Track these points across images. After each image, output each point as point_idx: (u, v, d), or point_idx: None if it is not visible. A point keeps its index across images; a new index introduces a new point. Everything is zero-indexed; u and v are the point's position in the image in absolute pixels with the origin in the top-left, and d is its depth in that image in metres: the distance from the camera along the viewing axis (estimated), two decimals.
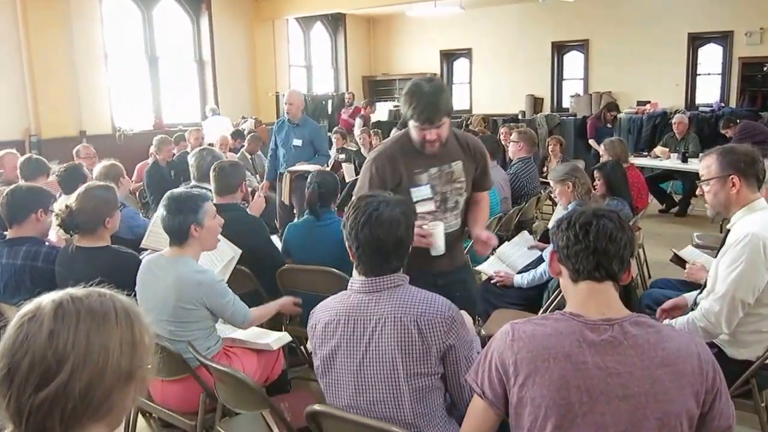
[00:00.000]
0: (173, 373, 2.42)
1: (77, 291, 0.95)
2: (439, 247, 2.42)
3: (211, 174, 3.44)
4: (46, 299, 0.93)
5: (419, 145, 2.47)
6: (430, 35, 13.42)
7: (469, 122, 10.35)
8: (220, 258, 3.13)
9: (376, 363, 1.72)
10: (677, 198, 7.87)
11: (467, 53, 13.39)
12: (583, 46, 12.33)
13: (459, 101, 13.82)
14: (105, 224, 2.73)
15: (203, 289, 2.43)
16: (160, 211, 2.53)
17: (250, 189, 6.51)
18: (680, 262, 3.37)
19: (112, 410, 0.93)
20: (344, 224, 1.84)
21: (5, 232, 2.99)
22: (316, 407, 1.76)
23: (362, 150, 8.02)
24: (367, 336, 1.73)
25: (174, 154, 6.57)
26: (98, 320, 0.92)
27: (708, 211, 2.56)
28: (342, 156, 8.13)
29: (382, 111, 12.64)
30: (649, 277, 4.84)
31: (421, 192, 2.52)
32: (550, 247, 3.61)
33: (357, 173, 7.77)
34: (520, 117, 11.69)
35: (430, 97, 2.36)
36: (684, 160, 7.27)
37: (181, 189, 2.67)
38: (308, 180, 3.41)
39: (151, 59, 9.46)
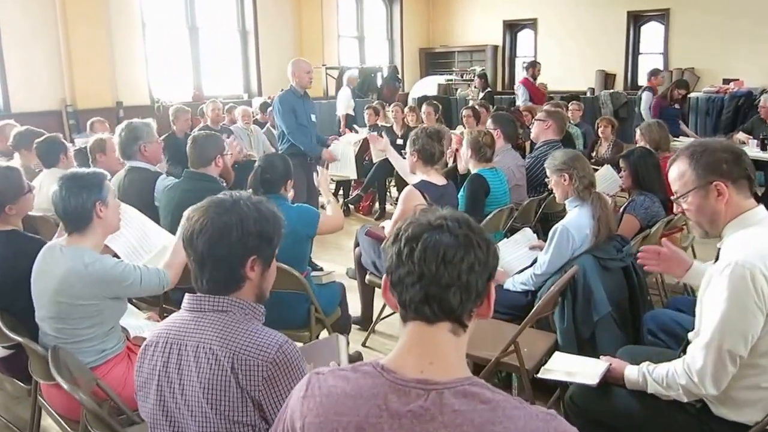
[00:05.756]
0: (48, 377, 2.15)
1: None
2: None
3: (188, 147, 3.37)
4: None
5: None
6: (492, 4, 12.58)
7: None
8: (147, 249, 2.82)
9: (188, 401, 1.46)
10: (760, 191, 6.83)
11: (532, 24, 12.44)
12: (663, 16, 11.13)
13: (521, 77, 12.87)
14: (6, 212, 2.54)
15: (97, 282, 2.19)
16: (54, 191, 2.25)
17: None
18: None
19: None
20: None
21: None
22: None
23: (395, 127, 7.47)
24: (181, 367, 1.47)
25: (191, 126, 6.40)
26: None
27: (693, 231, 1.95)
28: (374, 134, 7.60)
29: (431, 84, 11.99)
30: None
31: None
32: (549, 245, 3.05)
33: None
34: (588, 94, 10.72)
35: None
36: (763, 147, 6.30)
37: (77, 169, 2.45)
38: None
39: (191, 29, 9.27)
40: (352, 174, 6.13)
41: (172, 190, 3.32)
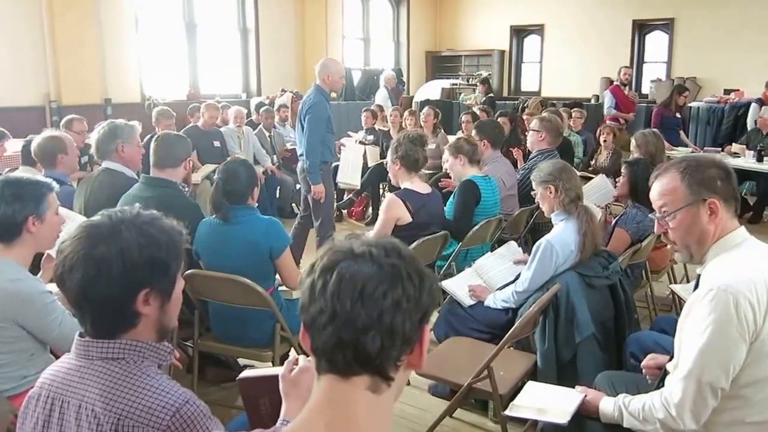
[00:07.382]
0: None
1: None
2: None
3: (152, 144, 3.13)
4: None
5: None
6: (500, 9, 12.41)
7: (525, 105, 9.30)
8: None
9: None
10: (752, 201, 6.80)
11: (539, 29, 12.27)
12: (668, 25, 10.98)
13: (527, 82, 12.78)
14: None
15: (17, 304, 1.95)
16: None
17: (261, 170, 6.12)
18: None
19: None
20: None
21: None
22: None
23: (392, 131, 7.33)
24: (63, 430, 1.26)
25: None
26: None
27: (678, 256, 1.80)
28: (370, 137, 7.48)
29: (435, 88, 11.83)
30: None
31: None
32: (531, 261, 2.90)
33: (383, 156, 7.12)
34: (592, 101, 10.56)
35: None
36: (759, 158, 6.21)
37: (21, 174, 2.25)
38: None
39: (189, 25, 9.10)
40: (357, 183, 6.09)
41: (126, 199, 2.96)
